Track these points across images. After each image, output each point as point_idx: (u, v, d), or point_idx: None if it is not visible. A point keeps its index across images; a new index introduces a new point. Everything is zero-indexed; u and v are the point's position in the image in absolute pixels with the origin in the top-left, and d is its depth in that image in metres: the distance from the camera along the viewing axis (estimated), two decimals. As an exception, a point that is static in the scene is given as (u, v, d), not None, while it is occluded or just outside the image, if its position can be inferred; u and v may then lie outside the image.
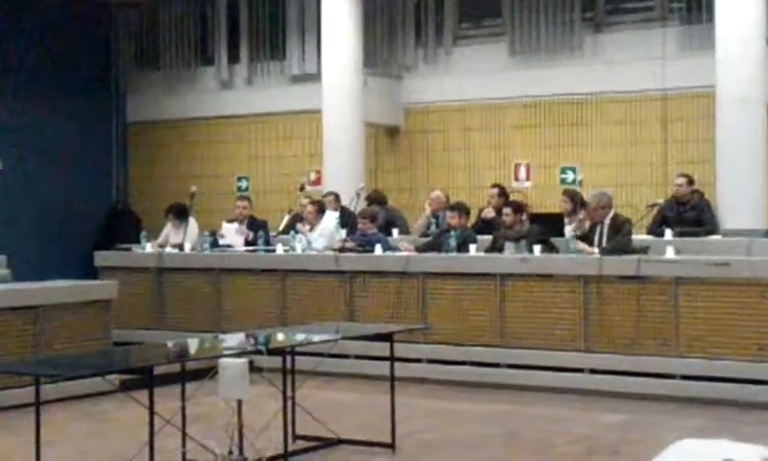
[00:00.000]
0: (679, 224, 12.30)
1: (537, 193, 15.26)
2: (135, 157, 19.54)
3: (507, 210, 12.21)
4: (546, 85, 15.66)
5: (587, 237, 11.57)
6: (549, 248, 11.61)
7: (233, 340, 8.65)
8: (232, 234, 13.69)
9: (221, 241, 13.64)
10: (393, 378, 8.55)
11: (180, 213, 14.06)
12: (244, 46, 18.38)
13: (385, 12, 17.08)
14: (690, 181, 12.73)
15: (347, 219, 13.60)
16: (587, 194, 12.90)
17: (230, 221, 13.95)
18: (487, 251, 11.90)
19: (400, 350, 9.35)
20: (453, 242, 11.96)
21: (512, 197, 13.68)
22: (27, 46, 17.74)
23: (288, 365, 8.00)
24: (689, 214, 12.52)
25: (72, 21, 18.41)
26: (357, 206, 14.23)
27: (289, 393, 7.97)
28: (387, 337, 8.81)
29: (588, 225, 11.96)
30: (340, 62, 15.43)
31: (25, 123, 17.60)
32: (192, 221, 14.04)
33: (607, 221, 11.44)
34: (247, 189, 17.91)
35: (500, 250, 11.82)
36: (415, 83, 16.91)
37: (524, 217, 12.29)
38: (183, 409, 7.72)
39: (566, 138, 15.69)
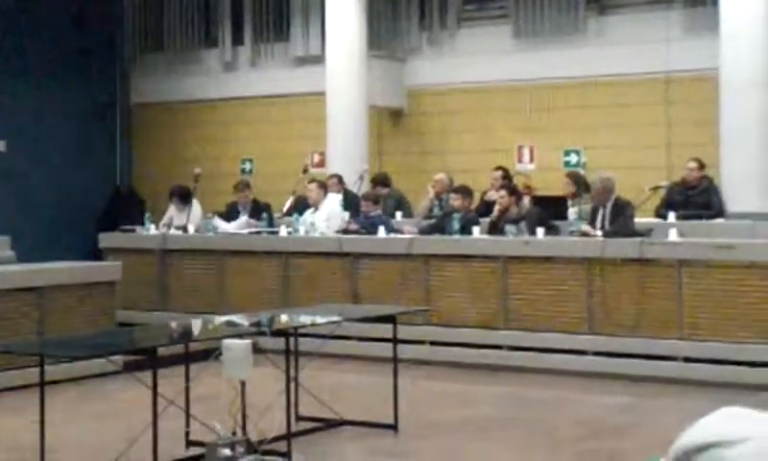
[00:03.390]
0: (686, 208, 12.30)
1: (540, 176, 15.25)
2: (139, 138, 19.55)
3: (502, 192, 12.22)
4: (550, 68, 15.64)
5: (590, 220, 11.58)
6: (550, 230, 11.62)
7: (237, 321, 8.68)
8: (233, 227, 13.58)
9: (220, 228, 13.53)
10: (396, 360, 8.58)
11: (184, 196, 14.07)
12: (248, 28, 18.36)
13: (389, -6, 17.07)
14: (701, 166, 12.71)
15: (350, 201, 13.61)
16: (590, 177, 12.90)
17: (222, 214, 13.82)
18: (488, 233, 11.90)
19: (403, 331, 9.38)
20: (457, 224, 11.97)
21: (515, 179, 13.69)
22: (31, 29, 17.73)
23: (291, 346, 8.02)
24: (698, 198, 12.51)
25: (77, 3, 18.41)
26: (361, 188, 14.24)
27: (292, 374, 8.00)
28: (390, 319, 8.84)
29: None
30: (344, 45, 15.42)
31: (29, 105, 17.61)
32: (196, 203, 14.05)
33: (609, 204, 11.44)
34: (251, 171, 17.91)
35: (501, 232, 11.83)
36: (419, 65, 16.90)
37: (524, 199, 12.30)
38: (187, 390, 7.76)
39: (570, 121, 15.68)
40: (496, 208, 12.13)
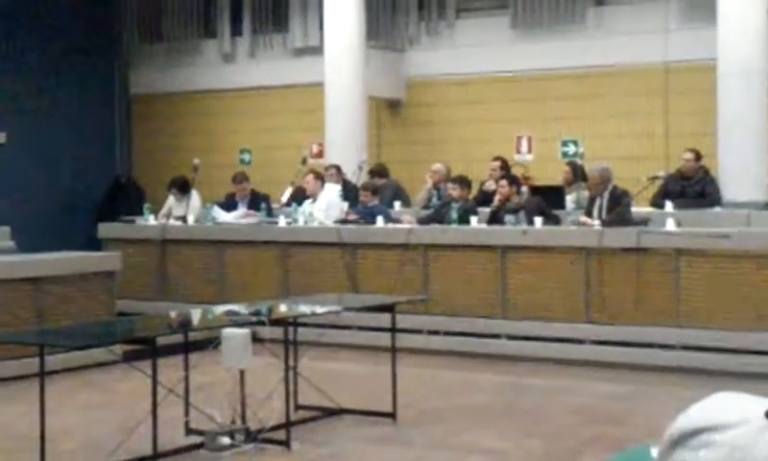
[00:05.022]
0: (683, 198, 12.33)
1: (538, 166, 15.27)
2: (138, 129, 19.58)
3: (503, 182, 12.25)
4: (548, 58, 15.67)
5: (587, 210, 11.61)
6: (549, 219, 11.65)
7: (236, 311, 8.71)
8: (232, 217, 13.62)
9: (219, 218, 13.56)
10: (394, 349, 8.62)
11: (183, 186, 14.10)
12: (247, 19, 18.38)
13: (387, -15, 17.08)
14: (698, 157, 12.74)
15: (349, 192, 13.64)
16: (588, 167, 12.93)
17: (221, 204, 13.86)
18: (487, 223, 11.94)
19: (402, 321, 9.42)
20: (455, 214, 12.01)
21: (513, 170, 13.72)
22: (31, 19, 17.74)
23: (290, 336, 8.05)
24: (694, 188, 12.55)
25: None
26: (359, 179, 14.26)
27: (291, 363, 8.03)
28: (388, 308, 8.89)
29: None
30: (343, 36, 15.43)
31: (28, 96, 17.62)
32: (195, 194, 14.08)
33: (606, 194, 11.47)
34: (249, 162, 17.93)
35: (500, 222, 11.87)
36: (417, 56, 16.93)
37: (523, 189, 12.34)
38: (186, 379, 7.80)
39: (568, 111, 15.71)
40: (497, 198, 12.16)
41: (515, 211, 11.88)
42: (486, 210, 12.24)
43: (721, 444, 1.50)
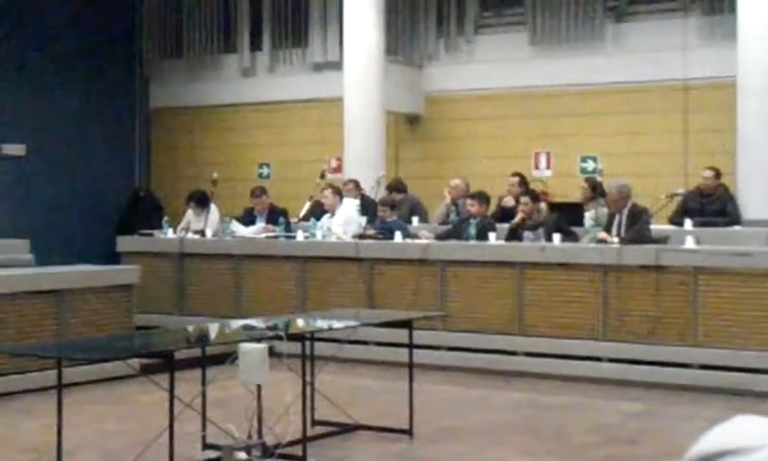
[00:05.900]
0: (702, 215, 12.29)
1: (557, 182, 15.26)
2: (158, 143, 19.63)
3: (525, 199, 12.25)
4: (567, 75, 15.66)
5: (606, 227, 11.58)
6: (567, 236, 11.63)
7: (253, 325, 8.72)
8: (251, 232, 13.65)
9: (238, 233, 13.60)
10: (411, 365, 8.60)
11: (202, 200, 14.13)
12: (266, 34, 18.42)
13: (407, 1, 17.11)
14: (718, 175, 12.72)
15: (367, 207, 13.65)
16: (606, 184, 12.90)
17: (239, 218, 13.90)
18: (505, 240, 11.92)
19: (419, 337, 9.40)
20: (473, 230, 12.00)
21: (532, 186, 13.71)
22: (51, 33, 17.83)
23: (307, 351, 8.05)
24: (713, 206, 12.51)
25: (97, 8, 18.50)
26: (378, 194, 14.27)
27: (308, 378, 8.03)
28: (406, 324, 8.87)
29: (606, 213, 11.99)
30: (362, 51, 15.46)
31: (49, 109, 17.69)
32: (213, 208, 14.11)
33: (625, 211, 11.44)
34: (268, 176, 17.97)
35: (518, 238, 11.85)
36: (436, 71, 16.94)
37: (542, 205, 12.33)
38: (204, 394, 7.79)
39: (587, 128, 15.69)
40: (519, 215, 12.15)
41: (534, 228, 11.86)
42: (504, 226, 12.23)
43: (742, 467, 1.50)
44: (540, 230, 11.74)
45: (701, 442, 1.57)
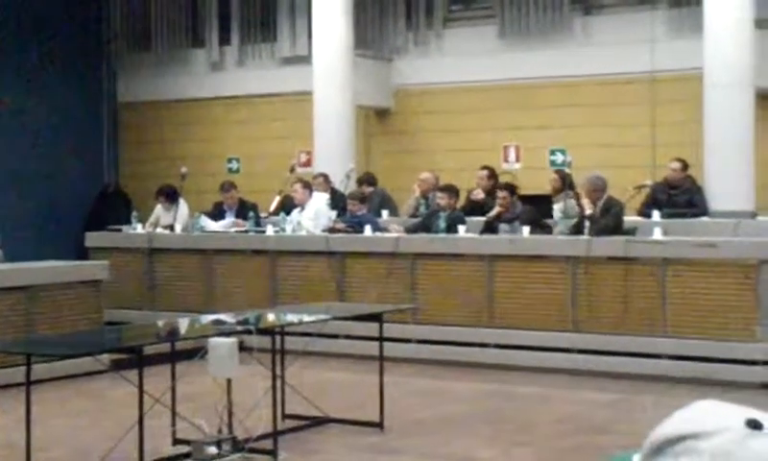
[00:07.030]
0: (669, 207, 12.37)
1: (526, 175, 15.30)
2: (126, 138, 19.56)
3: (503, 193, 12.25)
4: (535, 68, 15.71)
5: (578, 221, 11.59)
6: (542, 228, 11.66)
7: (223, 320, 8.71)
8: (220, 226, 13.63)
9: (207, 227, 13.57)
10: (382, 358, 8.62)
11: (171, 195, 14.08)
12: (235, 28, 18.39)
13: (375, -6, 17.12)
14: (685, 166, 12.81)
15: (337, 201, 13.65)
16: (576, 176, 12.95)
17: (208, 213, 13.87)
18: (481, 233, 11.95)
19: (390, 330, 9.43)
20: (442, 223, 12.02)
21: (501, 178, 13.74)
22: (18, 27, 17.72)
23: (278, 345, 8.06)
24: (681, 198, 12.59)
25: (64, 2, 18.41)
26: (348, 187, 14.26)
27: (278, 372, 8.03)
28: (376, 317, 8.89)
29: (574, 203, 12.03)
30: (331, 45, 15.44)
31: (15, 104, 17.59)
32: (182, 202, 14.07)
33: (600, 203, 11.45)
34: (237, 171, 17.94)
35: (494, 231, 11.89)
36: (405, 65, 16.95)
37: (515, 198, 12.38)
38: (173, 389, 7.78)
39: (556, 120, 15.74)
40: (496, 208, 12.16)
41: (510, 221, 11.90)
42: (473, 219, 12.26)
43: (702, 451, 1.51)
44: (517, 223, 11.78)
45: (659, 428, 1.59)
